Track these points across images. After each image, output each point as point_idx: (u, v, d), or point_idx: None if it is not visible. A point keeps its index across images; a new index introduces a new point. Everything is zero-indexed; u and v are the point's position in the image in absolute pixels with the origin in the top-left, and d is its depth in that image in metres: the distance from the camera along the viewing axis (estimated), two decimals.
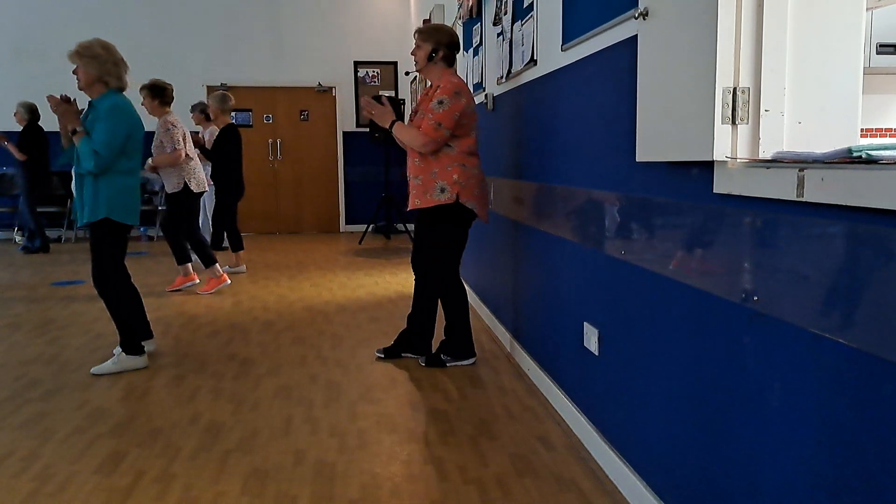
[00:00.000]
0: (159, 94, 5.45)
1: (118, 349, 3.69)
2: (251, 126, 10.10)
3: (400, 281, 6.11)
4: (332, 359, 3.80)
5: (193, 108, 7.96)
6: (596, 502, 2.22)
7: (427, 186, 3.44)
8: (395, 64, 9.97)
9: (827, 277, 1.25)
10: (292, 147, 10.20)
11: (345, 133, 10.16)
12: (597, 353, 2.52)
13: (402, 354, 3.78)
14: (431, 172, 3.43)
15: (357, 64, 9.95)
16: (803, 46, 1.50)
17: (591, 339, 2.56)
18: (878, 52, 3.19)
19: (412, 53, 3.57)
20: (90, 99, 3.53)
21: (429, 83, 3.67)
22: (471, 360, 3.67)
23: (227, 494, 2.28)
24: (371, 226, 9.51)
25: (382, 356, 3.78)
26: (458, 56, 3.60)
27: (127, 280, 3.63)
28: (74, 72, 3.49)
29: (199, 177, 5.66)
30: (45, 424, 2.90)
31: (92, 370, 3.58)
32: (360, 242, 8.85)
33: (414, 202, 3.49)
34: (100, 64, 3.44)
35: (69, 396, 3.24)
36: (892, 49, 3.20)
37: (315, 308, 5.07)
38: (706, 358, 1.73)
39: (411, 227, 9.86)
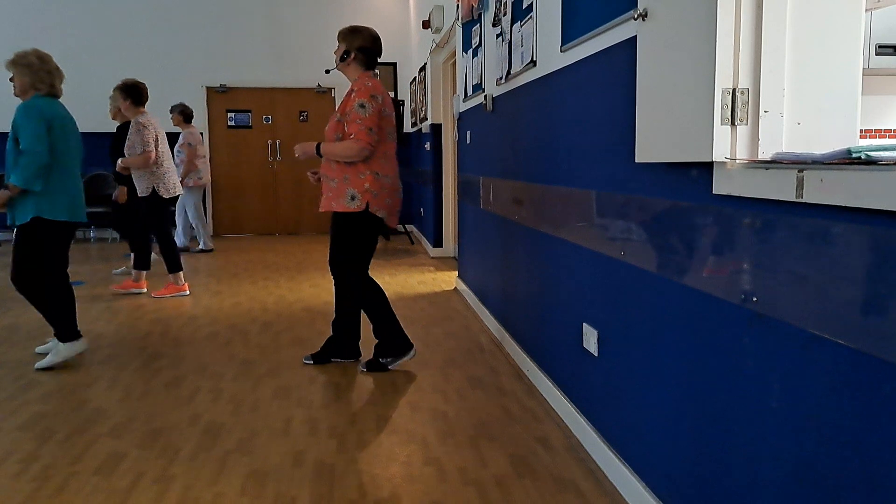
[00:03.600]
0: (132, 93, 5.32)
1: (53, 340, 3.79)
2: (250, 127, 10.11)
3: (399, 282, 6.11)
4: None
5: (173, 110, 7.92)
6: (595, 503, 2.22)
7: (339, 191, 3.41)
8: (394, 65, 9.99)
9: (826, 278, 1.25)
10: (292, 148, 10.20)
11: None
12: (596, 354, 2.52)
13: (332, 359, 3.71)
14: (344, 178, 3.40)
15: None
16: (802, 47, 1.50)
17: (590, 339, 2.56)
18: (877, 53, 3.20)
19: (334, 52, 3.59)
20: None
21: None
22: (411, 354, 3.59)
23: (226, 495, 2.28)
24: None
25: (311, 362, 3.70)
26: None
27: (63, 277, 3.72)
28: (11, 79, 3.68)
29: (169, 182, 5.48)
30: (45, 425, 2.90)
31: (36, 365, 3.68)
32: None
33: (329, 205, 3.47)
34: (33, 73, 3.64)
35: (68, 397, 3.23)
36: (891, 50, 3.20)
37: (314, 309, 5.07)
38: (706, 359, 1.73)
39: (410, 227, 9.87)
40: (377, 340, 3.59)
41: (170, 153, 5.59)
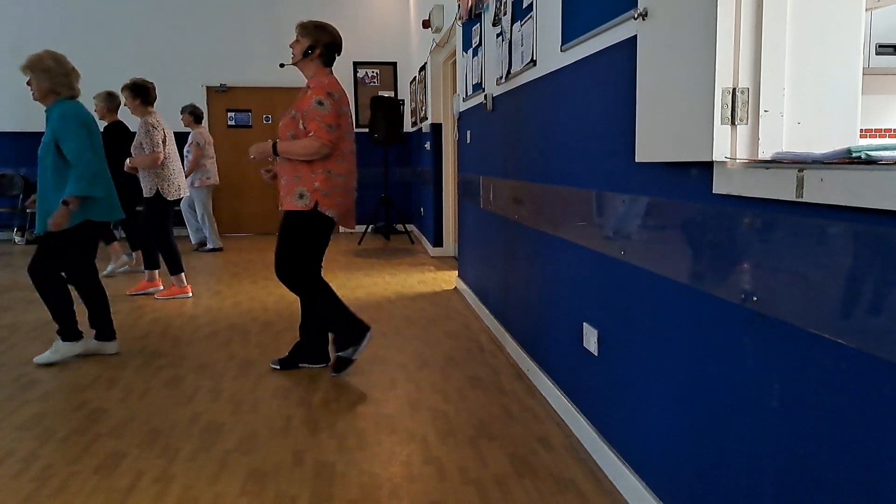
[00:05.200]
0: (141, 93, 5.30)
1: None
2: (250, 127, 10.11)
3: (399, 282, 6.11)
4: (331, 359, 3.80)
5: (183, 110, 7.93)
6: (595, 503, 2.22)
7: (289, 189, 3.34)
8: (394, 64, 9.98)
9: (826, 278, 1.25)
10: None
11: None
12: (596, 354, 2.52)
13: (300, 365, 3.61)
14: (295, 176, 3.32)
15: (356, 64, 9.95)
16: (802, 47, 1.50)
17: (590, 339, 2.56)
18: (877, 53, 3.20)
19: (290, 46, 3.50)
20: (45, 108, 3.72)
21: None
22: (369, 336, 3.45)
23: (226, 495, 2.28)
24: (370, 226, 9.52)
25: (278, 367, 3.59)
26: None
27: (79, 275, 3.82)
28: (28, 83, 3.65)
29: (174, 183, 5.42)
30: (45, 425, 2.90)
31: (34, 360, 3.77)
32: (359, 243, 8.85)
33: (281, 202, 3.41)
34: (51, 76, 3.63)
35: (68, 397, 3.24)
36: (891, 49, 3.20)
37: None
38: (706, 358, 1.73)
39: (411, 227, 9.88)
40: (333, 337, 3.49)
41: (177, 154, 5.53)
